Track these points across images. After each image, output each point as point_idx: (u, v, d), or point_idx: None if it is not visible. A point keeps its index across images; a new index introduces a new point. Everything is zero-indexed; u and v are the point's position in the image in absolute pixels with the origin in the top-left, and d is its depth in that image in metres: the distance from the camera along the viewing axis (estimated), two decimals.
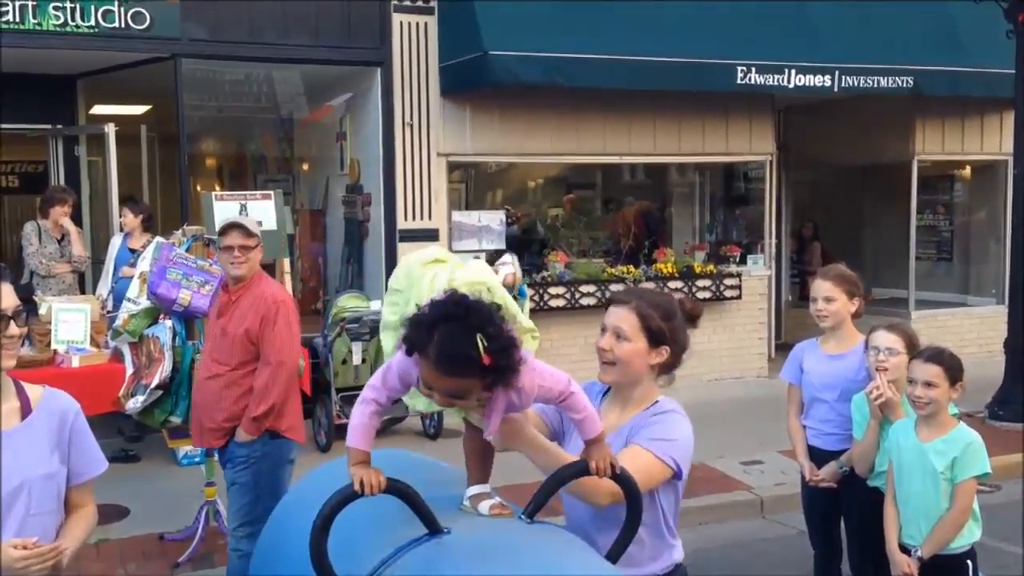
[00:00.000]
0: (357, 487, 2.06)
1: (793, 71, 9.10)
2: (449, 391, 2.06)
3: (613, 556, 2.26)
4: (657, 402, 2.61)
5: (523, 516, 2.22)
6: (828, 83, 9.28)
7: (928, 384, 3.51)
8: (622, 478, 2.25)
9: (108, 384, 5.68)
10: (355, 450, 2.16)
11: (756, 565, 5.62)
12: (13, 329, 2.44)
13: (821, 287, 4.16)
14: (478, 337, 1.98)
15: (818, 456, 4.23)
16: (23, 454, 2.47)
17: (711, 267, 10.18)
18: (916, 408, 3.57)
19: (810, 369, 4.23)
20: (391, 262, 8.96)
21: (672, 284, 9.77)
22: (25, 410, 2.53)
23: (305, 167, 11.22)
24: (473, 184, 11.06)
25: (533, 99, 9.07)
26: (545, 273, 9.54)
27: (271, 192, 8.18)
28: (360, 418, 2.20)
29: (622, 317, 2.57)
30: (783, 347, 10.53)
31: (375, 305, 8.21)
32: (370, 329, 7.87)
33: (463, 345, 1.98)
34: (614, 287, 9.59)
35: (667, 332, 2.58)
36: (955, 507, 3.50)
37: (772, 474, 6.95)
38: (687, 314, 2.67)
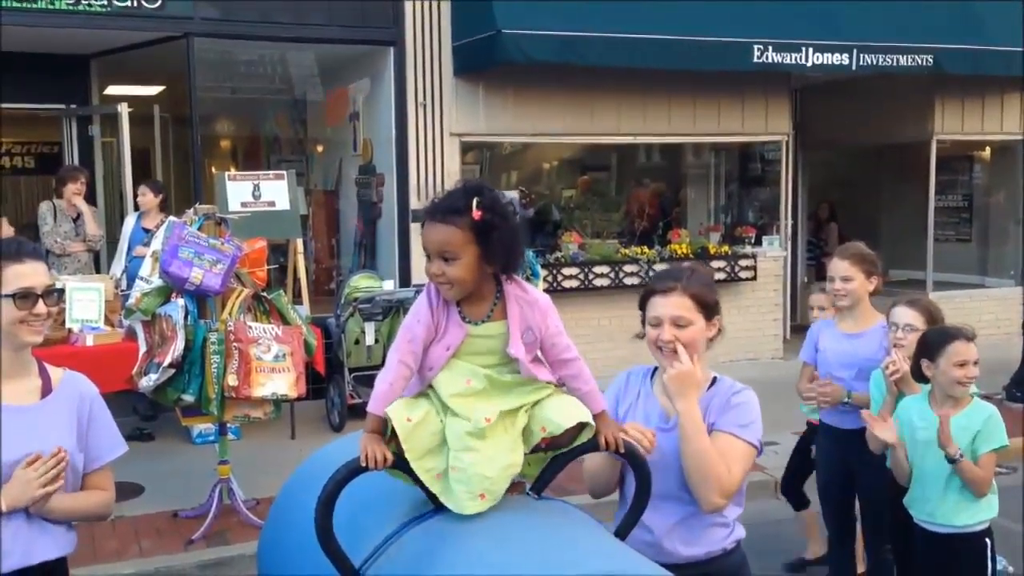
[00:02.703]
0: (363, 459, 2.04)
1: (810, 49, 8.99)
2: (440, 246, 2.08)
3: (622, 533, 2.25)
4: (716, 379, 2.64)
5: (530, 492, 2.21)
6: (846, 62, 9.16)
7: (976, 363, 3.50)
8: (630, 453, 2.23)
9: (122, 363, 5.68)
10: (371, 416, 2.13)
11: (770, 545, 5.59)
12: (40, 307, 2.48)
13: (839, 267, 4.12)
14: (473, 199, 2.08)
15: (833, 435, 4.19)
16: (39, 432, 2.50)
17: (726, 248, 10.11)
18: (965, 387, 3.51)
19: (826, 347, 4.19)
20: (404, 242, 8.95)
21: (686, 265, 9.71)
22: (45, 390, 2.57)
23: (318, 148, 11.21)
24: (487, 165, 11.02)
25: (547, 78, 9.00)
26: (559, 254, 9.51)
27: (284, 172, 8.21)
28: (381, 384, 2.15)
29: (677, 304, 2.56)
30: (798, 329, 10.47)
31: (388, 285, 8.21)
32: (383, 309, 7.87)
33: (457, 198, 2.11)
34: (628, 268, 9.55)
35: (718, 303, 2.63)
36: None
37: (786, 455, 6.82)
38: None
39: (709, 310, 2.59)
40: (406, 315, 2.24)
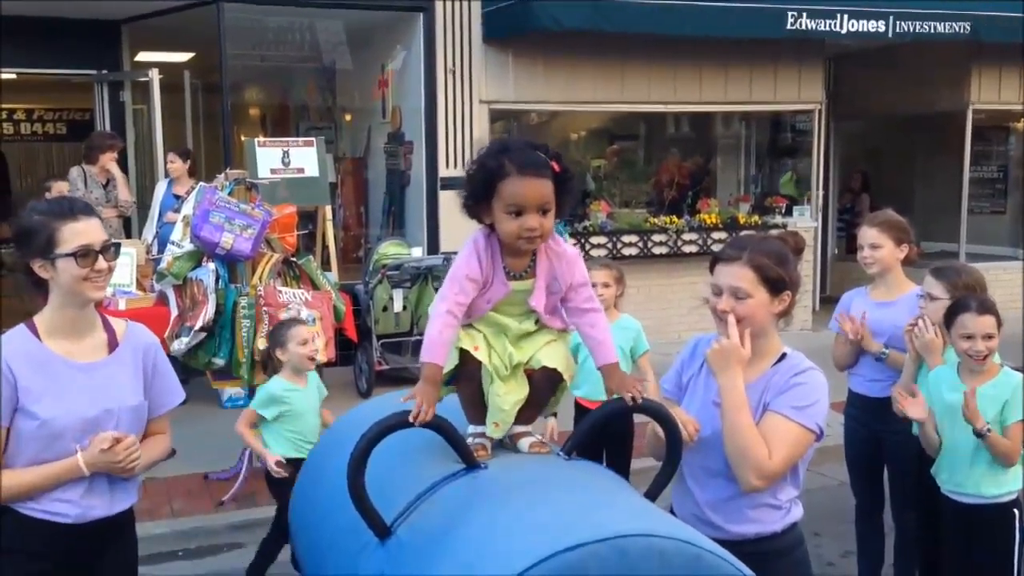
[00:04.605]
0: (416, 409, 2.07)
1: (845, 16, 8.83)
2: (541, 199, 2.15)
3: (652, 494, 2.25)
4: (785, 355, 2.56)
5: (561, 453, 2.22)
6: (882, 29, 9.00)
7: (989, 336, 3.43)
8: (651, 410, 2.23)
9: (154, 327, 5.57)
10: (428, 365, 2.16)
11: None
12: (101, 263, 2.51)
13: (867, 234, 4.08)
14: (545, 154, 2.19)
15: (861, 403, 4.16)
16: (112, 384, 2.57)
17: (756, 218, 10.02)
18: (976, 361, 3.45)
19: (857, 316, 4.15)
20: (432, 210, 8.95)
21: (716, 235, 9.66)
22: (112, 343, 2.63)
23: (347, 116, 11.20)
24: (516, 134, 10.96)
25: (577, 45, 8.92)
26: (587, 223, 9.48)
27: (313, 139, 8.22)
28: (431, 333, 2.20)
29: (737, 275, 2.48)
30: (828, 300, 10.40)
31: (416, 252, 8.22)
32: (411, 276, 7.89)
33: (534, 154, 2.17)
34: (656, 237, 9.51)
35: (786, 278, 2.51)
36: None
37: None
38: (792, 249, 2.60)
39: (773, 284, 2.48)
40: (453, 265, 2.28)
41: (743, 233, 2.91)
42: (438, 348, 2.16)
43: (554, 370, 2.24)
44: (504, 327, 2.24)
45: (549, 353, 2.24)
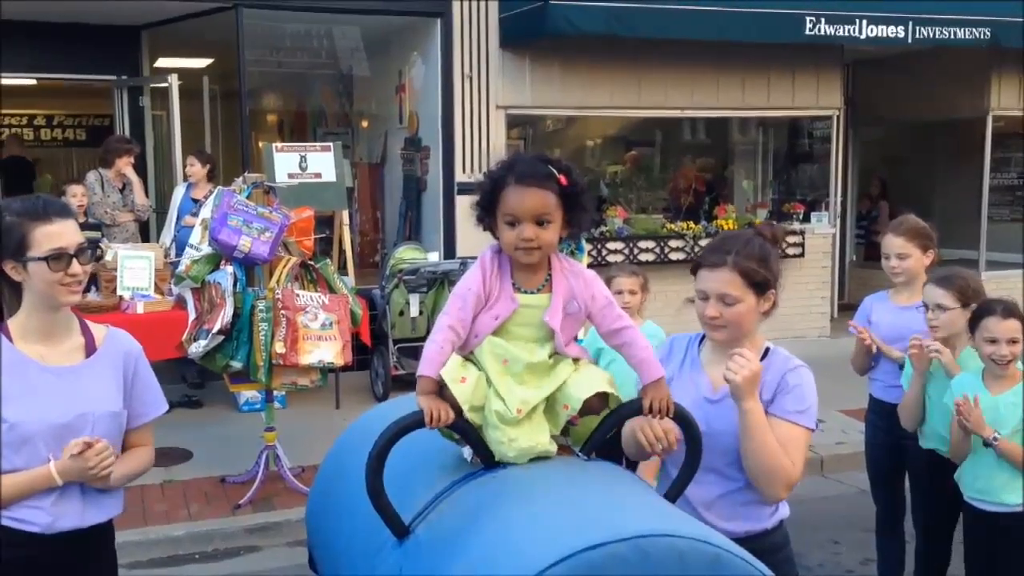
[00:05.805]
0: (427, 417, 2.03)
1: (864, 22, 8.80)
2: (538, 209, 2.10)
3: (671, 497, 2.24)
4: (770, 350, 2.56)
5: (579, 454, 2.20)
6: (901, 34, 8.96)
7: (1013, 340, 3.39)
8: (681, 417, 2.20)
9: (172, 330, 5.77)
10: (424, 379, 2.11)
11: (817, 522, 5.55)
12: (75, 267, 2.42)
13: (894, 243, 4.02)
14: (554, 166, 2.14)
15: (882, 410, 4.13)
16: (88, 389, 2.48)
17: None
18: (999, 366, 3.42)
19: (879, 320, 4.12)
20: (449, 215, 8.96)
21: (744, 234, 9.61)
22: (90, 348, 2.54)
23: (364, 122, 11.24)
24: (532, 141, 10.95)
25: (594, 50, 8.93)
26: (603, 228, 9.46)
27: (331, 144, 8.24)
28: (431, 347, 2.14)
29: (724, 281, 2.45)
30: (846, 307, 10.33)
31: (432, 257, 8.23)
32: (427, 281, 7.89)
33: (541, 164, 2.14)
34: (673, 243, 9.48)
35: (770, 278, 2.50)
36: None
37: (833, 433, 6.85)
38: (770, 241, 2.56)
39: (759, 286, 2.47)
40: (456, 284, 2.23)
41: (721, 235, 2.77)
42: (435, 363, 2.10)
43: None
44: (513, 358, 2.12)
45: (581, 382, 2.13)
